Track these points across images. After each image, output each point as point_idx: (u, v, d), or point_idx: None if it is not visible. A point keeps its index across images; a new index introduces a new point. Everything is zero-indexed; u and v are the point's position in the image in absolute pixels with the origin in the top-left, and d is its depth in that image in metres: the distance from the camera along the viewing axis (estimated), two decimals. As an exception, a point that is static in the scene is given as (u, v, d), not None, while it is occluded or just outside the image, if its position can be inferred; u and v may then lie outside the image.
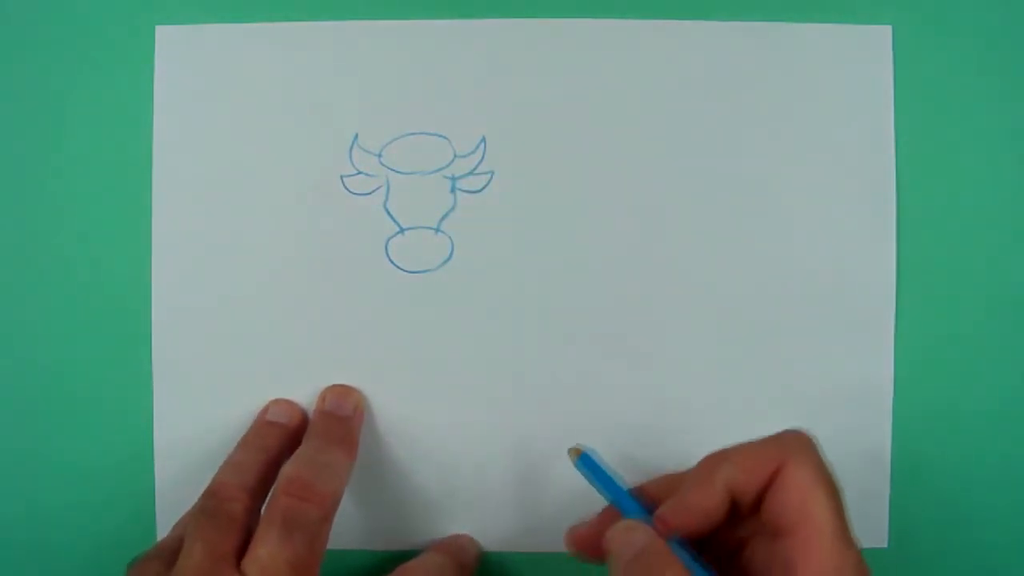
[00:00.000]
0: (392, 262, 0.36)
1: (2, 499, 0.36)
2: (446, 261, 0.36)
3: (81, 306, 0.36)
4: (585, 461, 0.32)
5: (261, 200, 0.36)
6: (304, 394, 0.36)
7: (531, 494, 0.36)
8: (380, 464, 0.36)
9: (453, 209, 0.36)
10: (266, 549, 0.29)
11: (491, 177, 0.36)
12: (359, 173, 0.36)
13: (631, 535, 0.28)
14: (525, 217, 0.36)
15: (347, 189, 0.36)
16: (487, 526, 0.37)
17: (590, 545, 0.30)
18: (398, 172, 0.36)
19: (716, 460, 0.29)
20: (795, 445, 0.28)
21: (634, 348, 0.36)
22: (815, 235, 0.36)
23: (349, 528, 0.36)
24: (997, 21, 0.36)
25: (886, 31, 0.36)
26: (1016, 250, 0.36)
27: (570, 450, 0.32)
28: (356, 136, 0.36)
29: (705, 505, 0.28)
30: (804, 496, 0.27)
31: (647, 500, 0.30)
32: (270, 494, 0.31)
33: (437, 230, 0.36)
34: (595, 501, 0.31)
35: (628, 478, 0.32)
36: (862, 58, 0.36)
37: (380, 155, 0.36)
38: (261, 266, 0.36)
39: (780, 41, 0.36)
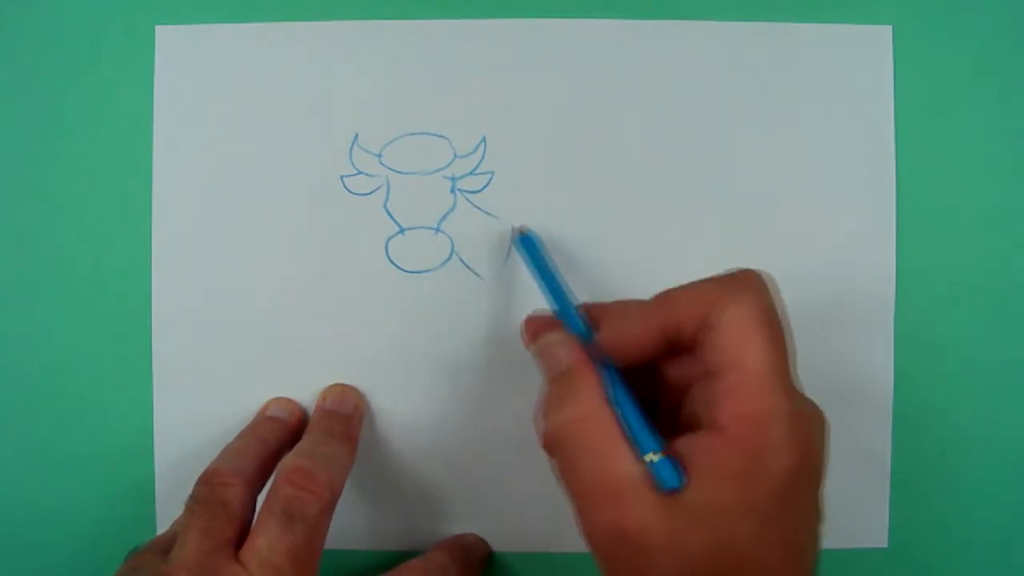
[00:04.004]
0: (392, 262, 0.36)
1: (3, 494, 0.37)
2: (446, 261, 0.36)
3: (81, 306, 0.36)
4: (525, 242, 0.29)
5: (261, 200, 0.36)
6: (304, 394, 0.36)
7: (534, 493, 0.36)
8: (381, 463, 0.36)
9: (453, 209, 0.36)
10: (266, 539, 0.28)
11: (491, 177, 0.36)
12: (359, 173, 0.36)
13: (558, 349, 0.28)
14: (525, 217, 0.36)
15: (347, 189, 0.36)
16: (490, 526, 0.37)
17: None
18: (398, 172, 0.36)
19: (663, 295, 0.27)
20: (738, 285, 0.26)
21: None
22: (815, 235, 0.36)
23: (352, 528, 0.36)
24: (997, 21, 0.36)
25: (886, 31, 0.36)
26: (1016, 250, 0.36)
27: (513, 228, 0.30)
28: (356, 136, 0.36)
29: (637, 335, 0.27)
30: (737, 338, 0.25)
31: (589, 316, 0.29)
32: (270, 484, 0.30)
33: (437, 230, 0.36)
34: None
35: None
36: (862, 58, 0.36)
37: (380, 155, 0.36)
38: (261, 266, 0.36)
39: (780, 41, 0.36)
